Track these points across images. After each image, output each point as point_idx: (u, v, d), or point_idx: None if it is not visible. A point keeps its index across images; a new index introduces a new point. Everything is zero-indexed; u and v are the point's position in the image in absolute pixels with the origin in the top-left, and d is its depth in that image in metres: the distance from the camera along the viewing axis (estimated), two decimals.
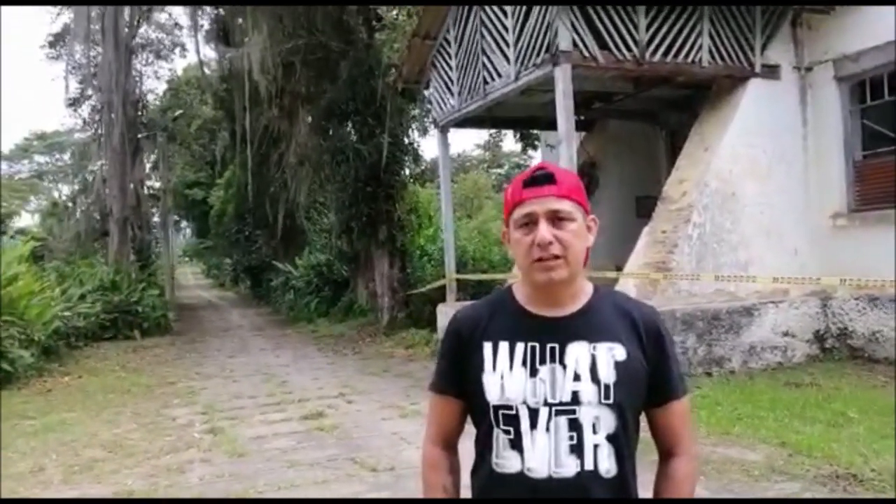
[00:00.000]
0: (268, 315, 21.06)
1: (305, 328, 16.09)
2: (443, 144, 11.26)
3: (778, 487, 4.15)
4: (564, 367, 1.39)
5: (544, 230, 1.38)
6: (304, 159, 16.59)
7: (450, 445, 1.56)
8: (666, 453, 1.50)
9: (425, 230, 16.32)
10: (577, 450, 1.37)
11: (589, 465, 1.37)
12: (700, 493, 4.14)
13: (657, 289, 7.64)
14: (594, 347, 1.40)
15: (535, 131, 15.26)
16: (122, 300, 15.26)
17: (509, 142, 33.61)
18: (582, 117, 11.08)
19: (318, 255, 19.10)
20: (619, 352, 1.40)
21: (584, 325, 1.42)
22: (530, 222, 1.40)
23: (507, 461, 1.40)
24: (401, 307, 14.16)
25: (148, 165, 26.17)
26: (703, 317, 7.44)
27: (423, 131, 16.41)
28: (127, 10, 18.47)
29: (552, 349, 1.40)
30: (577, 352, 1.40)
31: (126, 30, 18.63)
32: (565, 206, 1.40)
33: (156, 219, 29.89)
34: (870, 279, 6.76)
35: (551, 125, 8.27)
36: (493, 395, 1.41)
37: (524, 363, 1.40)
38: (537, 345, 1.41)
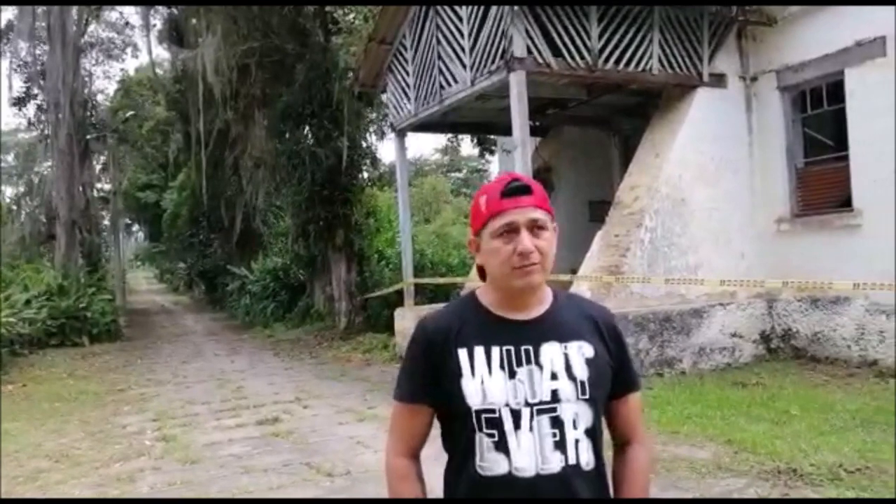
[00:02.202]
0: (223, 320, 20.69)
1: (261, 333, 15.87)
2: (400, 148, 11.27)
3: (724, 483, 4.29)
4: (541, 367, 1.44)
5: (527, 240, 1.43)
6: (260, 162, 16.42)
7: (415, 455, 1.55)
8: (623, 442, 1.59)
9: (384, 234, 16.30)
10: (561, 445, 1.42)
11: (572, 460, 1.43)
12: (650, 490, 4.25)
13: (610, 291, 7.80)
14: (566, 347, 1.47)
15: (492, 136, 15.42)
16: (70, 305, 14.79)
17: (467, 146, 33.77)
18: (537, 123, 11.25)
19: (274, 259, 18.86)
20: (588, 350, 1.48)
21: (553, 327, 1.49)
22: (510, 231, 1.44)
23: (492, 464, 1.42)
24: (358, 311, 14.11)
25: (98, 167, 25.47)
26: (654, 319, 7.63)
27: (381, 135, 16.39)
28: (75, 7, 17.97)
29: (527, 351, 1.45)
30: (551, 352, 1.46)
31: (74, 28, 18.11)
32: (541, 215, 1.46)
33: (106, 222, 29.09)
34: (811, 281, 7.04)
35: (507, 130, 8.37)
36: (474, 400, 1.43)
37: (502, 366, 1.44)
38: (512, 348, 1.45)
